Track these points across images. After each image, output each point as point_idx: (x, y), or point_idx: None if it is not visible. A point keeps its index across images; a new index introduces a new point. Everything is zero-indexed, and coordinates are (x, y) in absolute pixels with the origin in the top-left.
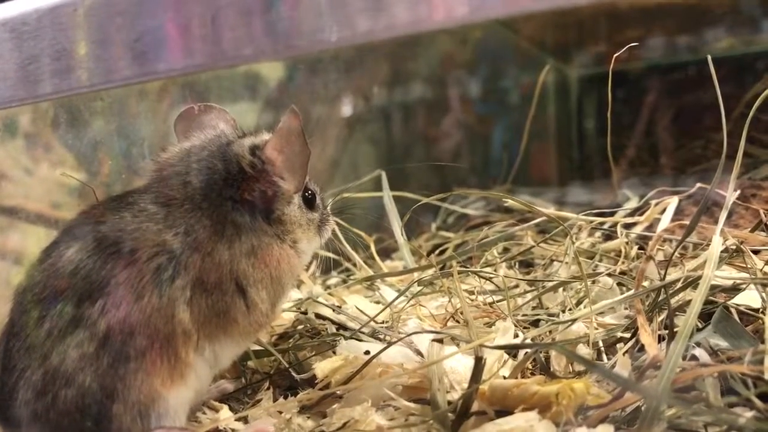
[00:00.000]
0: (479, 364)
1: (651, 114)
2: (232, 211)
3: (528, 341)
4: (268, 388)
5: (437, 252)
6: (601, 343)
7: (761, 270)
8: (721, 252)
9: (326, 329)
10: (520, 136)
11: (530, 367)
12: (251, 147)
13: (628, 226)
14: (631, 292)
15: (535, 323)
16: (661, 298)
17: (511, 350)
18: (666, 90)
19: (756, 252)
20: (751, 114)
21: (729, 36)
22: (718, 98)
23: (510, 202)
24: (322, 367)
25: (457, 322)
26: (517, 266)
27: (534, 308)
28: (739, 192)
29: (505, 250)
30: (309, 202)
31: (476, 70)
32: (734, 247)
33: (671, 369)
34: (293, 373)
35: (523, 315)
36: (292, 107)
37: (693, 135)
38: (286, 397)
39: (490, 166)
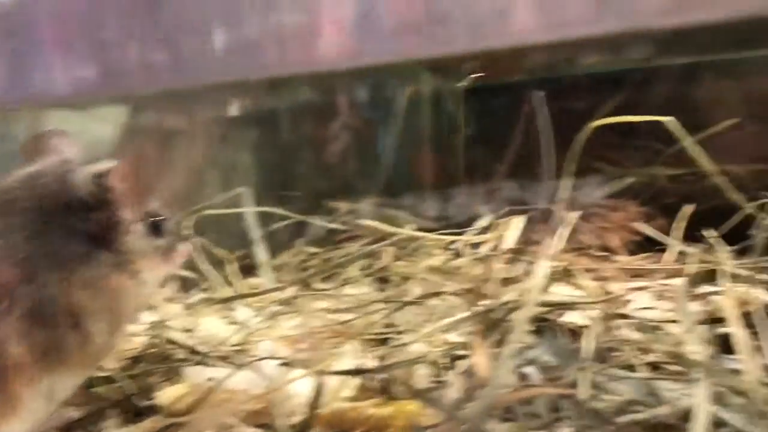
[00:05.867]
0: (318, 388)
1: (526, 126)
2: (70, 241)
3: (375, 361)
4: (114, 416)
5: (303, 268)
6: (443, 362)
7: (590, 289)
8: (553, 272)
9: (176, 354)
10: (406, 143)
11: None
12: (93, 174)
13: (476, 245)
14: (466, 313)
15: (385, 342)
16: (500, 316)
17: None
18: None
19: (593, 270)
20: (588, 131)
21: (599, 52)
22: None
23: (366, 223)
24: (165, 395)
25: (314, 342)
26: (376, 283)
27: (387, 326)
28: (580, 211)
29: (369, 265)
30: (156, 229)
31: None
32: (564, 266)
33: (492, 392)
34: (138, 401)
35: (375, 334)
36: (140, 136)
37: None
38: (133, 425)
39: (378, 171)
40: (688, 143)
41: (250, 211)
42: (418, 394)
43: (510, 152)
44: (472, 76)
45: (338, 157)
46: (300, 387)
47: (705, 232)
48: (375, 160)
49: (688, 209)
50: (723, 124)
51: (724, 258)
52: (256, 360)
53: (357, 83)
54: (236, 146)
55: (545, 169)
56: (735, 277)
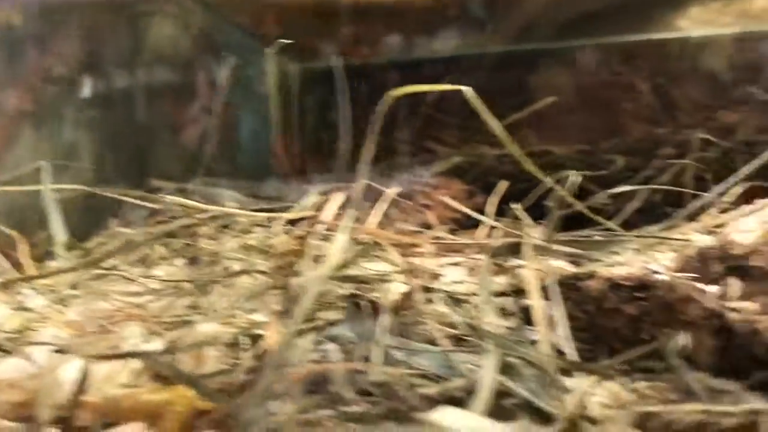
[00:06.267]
0: (83, 373)
1: (372, 107)
2: None
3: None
4: None
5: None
6: (244, 343)
7: (401, 264)
8: (364, 248)
9: None
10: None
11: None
12: None
13: (294, 222)
14: (269, 291)
15: (185, 324)
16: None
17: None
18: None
19: (406, 246)
20: (388, 102)
21: (455, 38)
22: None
23: (177, 200)
24: None
25: (102, 327)
26: (188, 264)
27: (191, 307)
28: (401, 188)
29: (186, 246)
30: None
31: (218, 55)
32: (376, 242)
33: (274, 372)
34: None
35: (174, 316)
36: None
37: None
38: None
39: (239, 154)
40: (487, 117)
41: (48, 188)
42: (186, 379)
43: (353, 132)
44: (282, 41)
45: (180, 137)
46: (72, 374)
47: (512, 206)
48: (248, 137)
49: (502, 185)
50: (539, 104)
51: (528, 231)
52: (27, 346)
53: (204, 62)
54: (74, 126)
55: (342, 144)
56: (538, 250)
